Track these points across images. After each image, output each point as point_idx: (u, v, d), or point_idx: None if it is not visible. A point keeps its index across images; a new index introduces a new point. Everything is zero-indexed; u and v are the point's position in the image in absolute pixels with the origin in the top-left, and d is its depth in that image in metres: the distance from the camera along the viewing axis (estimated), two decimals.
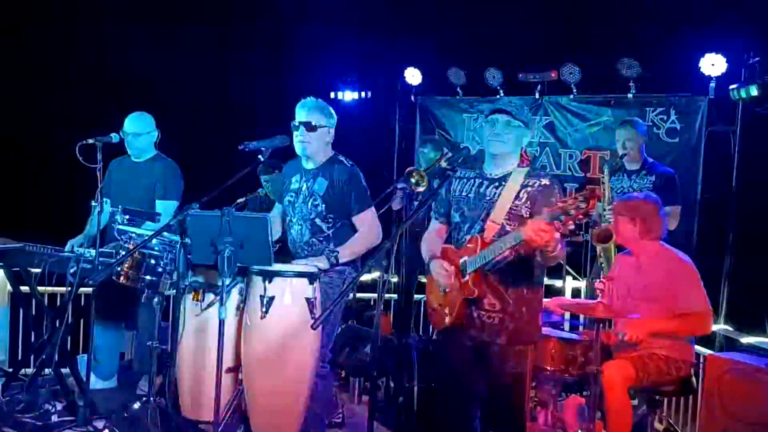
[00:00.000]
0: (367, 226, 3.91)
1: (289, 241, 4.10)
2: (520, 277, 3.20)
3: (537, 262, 3.21)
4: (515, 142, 3.25)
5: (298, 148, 3.93)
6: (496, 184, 3.25)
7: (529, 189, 3.18)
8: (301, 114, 3.91)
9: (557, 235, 2.90)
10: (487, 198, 3.25)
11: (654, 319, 3.93)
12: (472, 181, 3.34)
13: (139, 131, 4.71)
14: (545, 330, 4.12)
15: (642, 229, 4.00)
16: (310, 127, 3.87)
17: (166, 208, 4.64)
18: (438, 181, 3.88)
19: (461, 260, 3.21)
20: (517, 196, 3.18)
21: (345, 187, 3.87)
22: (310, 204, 3.93)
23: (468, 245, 3.21)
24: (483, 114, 3.44)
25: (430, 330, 5.65)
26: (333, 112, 4.01)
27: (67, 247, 4.39)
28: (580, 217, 2.77)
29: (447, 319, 3.29)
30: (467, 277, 3.17)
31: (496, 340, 3.20)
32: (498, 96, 6.68)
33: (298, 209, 3.97)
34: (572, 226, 2.82)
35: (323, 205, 3.89)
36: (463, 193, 3.34)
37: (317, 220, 3.92)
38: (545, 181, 3.20)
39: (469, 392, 3.34)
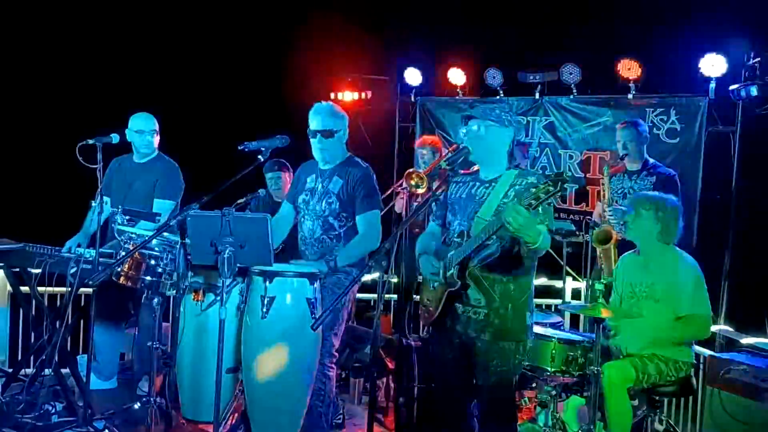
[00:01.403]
0: (368, 228, 3.94)
1: (299, 238, 4.13)
2: (507, 274, 3.21)
3: (525, 259, 3.22)
4: (492, 143, 3.27)
5: (317, 155, 4.01)
6: (487, 185, 3.29)
7: (516, 187, 3.21)
8: (316, 121, 3.96)
9: (543, 228, 2.96)
10: (477, 198, 3.29)
11: (656, 319, 3.94)
12: (468, 184, 3.38)
13: (153, 128, 4.75)
14: (545, 331, 4.12)
15: (662, 230, 4.00)
16: (327, 134, 3.93)
17: (162, 207, 4.64)
18: (437, 182, 3.88)
19: (449, 254, 3.24)
20: (505, 195, 3.21)
21: (357, 185, 3.93)
22: (324, 202, 3.98)
23: (455, 239, 3.25)
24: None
25: (429, 329, 5.66)
26: (344, 113, 4.08)
27: (65, 249, 4.39)
28: (550, 201, 2.80)
29: (434, 315, 3.31)
30: (452, 270, 3.20)
31: (481, 336, 3.21)
32: (498, 96, 6.68)
33: (312, 207, 4.03)
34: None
35: (338, 203, 3.95)
36: (457, 195, 3.38)
37: (330, 218, 3.97)
38: (532, 179, 3.22)
39: (462, 389, 3.34)
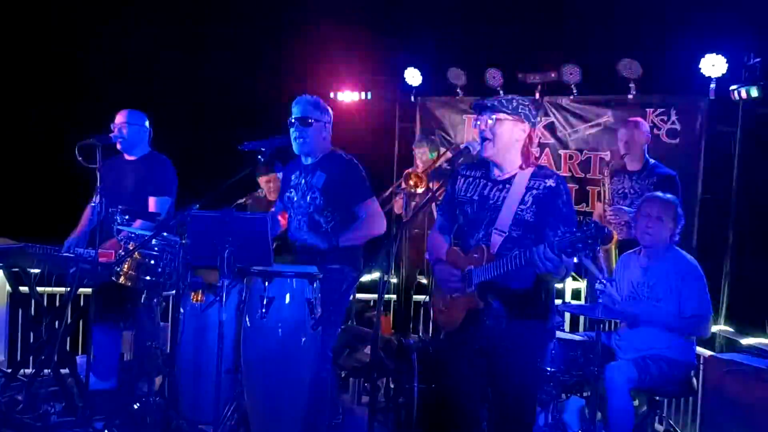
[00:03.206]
0: (370, 214, 3.89)
1: (288, 237, 4.10)
2: (527, 283, 3.08)
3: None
4: (506, 137, 3.05)
5: (295, 145, 3.94)
6: (500, 186, 3.10)
7: (534, 192, 3.03)
8: (296, 110, 3.94)
9: (568, 260, 2.85)
10: (491, 202, 3.10)
11: (657, 319, 3.94)
12: (477, 181, 3.19)
13: (129, 121, 4.71)
14: None
15: (673, 233, 4.01)
16: (305, 123, 3.89)
17: (160, 204, 4.64)
18: (437, 183, 3.85)
19: (467, 269, 3.10)
20: (522, 200, 3.03)
21: (344, 179, 3.88)
22: (308, 198, 3.93)
23: (474, 254, 3.09)
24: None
25: (431, 330, 5.65)
26: (328, 108, 4.03)
27: (65, 247, 4.38)
28: (587, 253, 2.71)
29: (455, 324, 3.20)
30: (473, 288, 3.07)
31: (503, 344, 3.10)
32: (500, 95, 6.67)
33: (297, 204, 3.99)
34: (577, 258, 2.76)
35: (321, 199, 3.90)
36: (468, 195, 3.20)
37: (315, 215, 3.92)
38: (550, 182, 3.03)
39: (478, 394, 3.25)
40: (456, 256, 3.22)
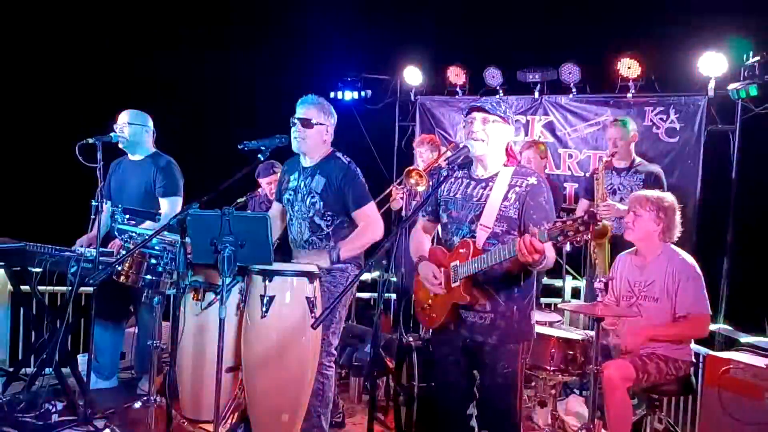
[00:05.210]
0: (367, 221, 3.90)
1: (289, 240, 4.11)
2: (511, 278, 3.15)
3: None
4: (495, 139, 3.16)
5: (293, 144, 3.93)
6: (483, 184, 3.20)
7: (516, 189, 3.12)
8: (299, 110, 3.94)
9: (550, 252, 2.93)
10: (475, 199, 3.19)
11: (655, 318, 3.94)
12: (460, 181, 3.29)
13: (131, 121, 4.72)
14: (544, 329, 4.13)
15: (664, 228, 4.00)
16: (306, 124, 3.88)
17: (171, 204, 4.66)
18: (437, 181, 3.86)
19: (452, 264, 3.17)
20: (505, 197, 3.12)
21: (342, 183, 3.88)
22: (308, 202, 3.94)
23: (459, 250, 3.16)
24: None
25: (429, 331, 5.66)
26: (333, 111, 4.02)
27: (76, 247, 4.40)
28: (578, 240, 2.74)
29: (436, 321, 3.26)
30: (458, 283, 3.13)
31: (487, 340, 3.16)
32: (498, 95, 6.68)
33: (297, 207, 3.99)
34: (569, 248, 2.80)
35: (321, 203, 3.90)
36: (451, 194, 3.29)
37: (316, 218, 3.93)
38: (532, 180, 3.13)
39: (464, 391, 3.31)
40: (440, 254, 3.29)
